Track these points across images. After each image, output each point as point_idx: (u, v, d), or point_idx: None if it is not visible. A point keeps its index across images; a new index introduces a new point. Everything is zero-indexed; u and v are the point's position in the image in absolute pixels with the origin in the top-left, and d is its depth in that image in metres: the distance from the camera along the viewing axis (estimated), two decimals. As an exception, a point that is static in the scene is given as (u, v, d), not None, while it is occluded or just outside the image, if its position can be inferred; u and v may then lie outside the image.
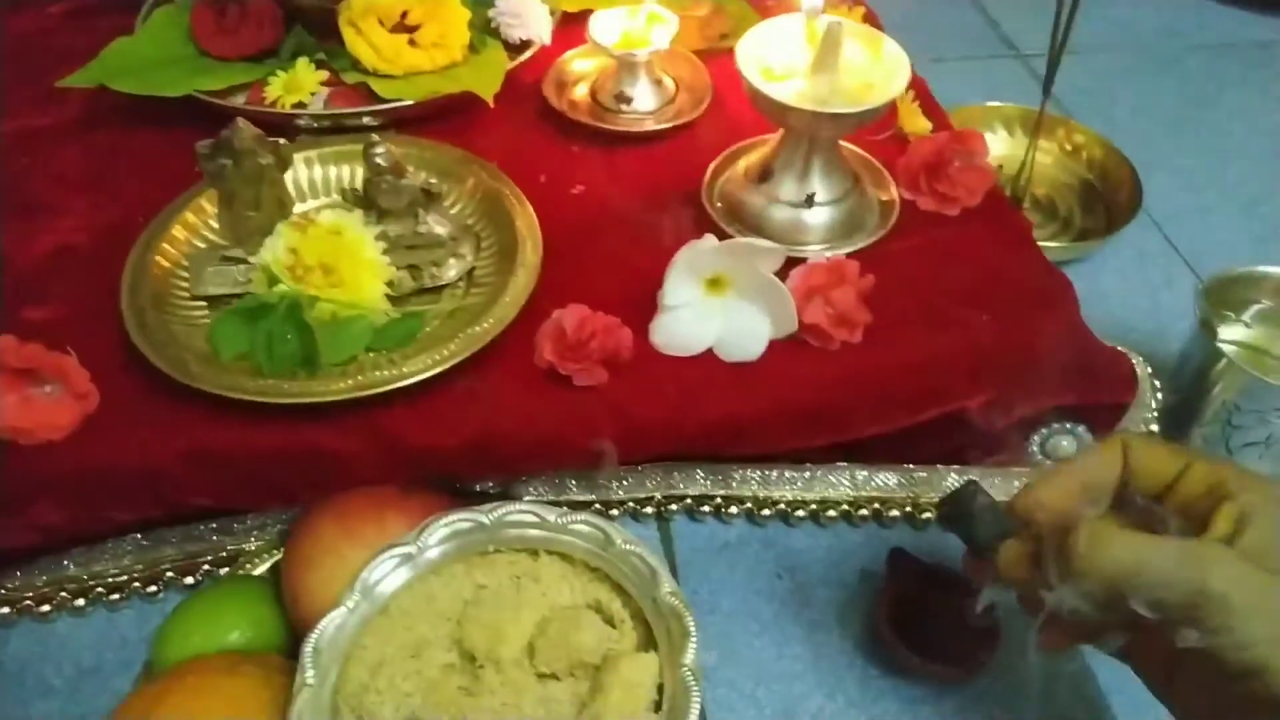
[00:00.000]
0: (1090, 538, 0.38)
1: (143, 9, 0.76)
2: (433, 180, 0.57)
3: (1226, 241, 0.80)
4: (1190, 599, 0.37)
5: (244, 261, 0.57)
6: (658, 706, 0.44)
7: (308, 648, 0.46)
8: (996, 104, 0.86)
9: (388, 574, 0.49)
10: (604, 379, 0.53)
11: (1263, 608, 0.37)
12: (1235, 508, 0.39)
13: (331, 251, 0.54)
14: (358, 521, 0.52)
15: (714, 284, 0.55)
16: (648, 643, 0.46)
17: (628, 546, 0.48)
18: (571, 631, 0.46)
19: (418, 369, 0.52)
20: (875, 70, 0.56)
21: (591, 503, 0.60)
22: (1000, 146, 0.85)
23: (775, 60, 0.57)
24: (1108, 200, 0.81)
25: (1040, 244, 0.64)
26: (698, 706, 0.43)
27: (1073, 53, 0.96)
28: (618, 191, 0.65)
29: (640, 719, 0.44)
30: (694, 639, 0.45)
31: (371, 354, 0.54)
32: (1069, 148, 0.85)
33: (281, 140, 0.55)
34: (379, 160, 0.54)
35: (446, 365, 0.52)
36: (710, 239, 0.53)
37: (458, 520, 0.50)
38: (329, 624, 0.46)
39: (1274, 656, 0.37)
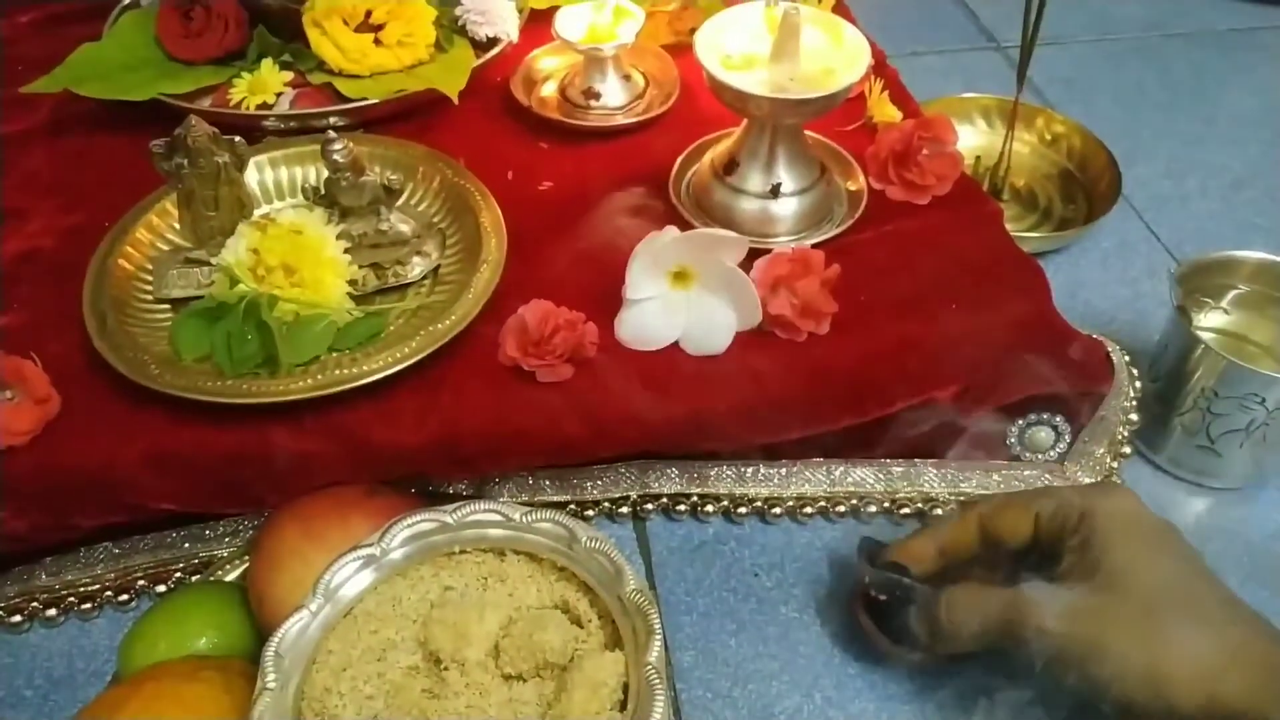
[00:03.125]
0: (946, 601, 0.47)
1: (111, 15, 0.76)
2: (393, 176, 0.56)
3: (1208, 229, 0.79)
4: (1014, 639, 0.44)
5: (207, 263, 0.57)
6: (623, 706, 0.43)
7: (269, 651, 0.45)
8: (974, 95, 0.85)
9: (350, 576, 0.48)
10: (568, 375, 0.53)
11: (1075, 628, 0.43)
12: (1077, 540, 0.46)
13: (293, 251, 0.53)
14: (321, 523, 0.51)
15: (679, 277, 0.54)
16: (615, 642, 0.46)
17: (593, 544, 0.47)
18: (536, 631, 0.45)
19: (379, 367, 0.51)
20: (836, 56, 0.56)
21: (567, 503, 0.59)
22: (978, 138, 0.84)
23: (735, 49, 0.57)
24: (1088, 189, 0.80)
25: (1020, 234, 0.63)
26: (661, 705, 0.42)
27: (1053, 43, 0.97)
28: (586, 187, 0.64)
29: (604, 719, 0.43)
30: (658, 637, 0.44)
31: (334, 353, 0.53)
32: (1048, 137, 0.84)
33: (237, 138, 0.54)
34: (337, 157, 0.53)
35: (408, 363, 0.52)
36: (671, 230, 0.52)
37: (421, 521, 0.49)
38: (290, 627, 0.46)
39: (1095, 673, 0.42)
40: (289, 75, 0.68)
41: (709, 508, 0.59)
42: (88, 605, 0.56)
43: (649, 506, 0.60)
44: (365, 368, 0.51)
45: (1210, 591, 0.44)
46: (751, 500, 0.60)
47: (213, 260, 0.56)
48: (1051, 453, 0.59)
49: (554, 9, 0.71)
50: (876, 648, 0.52)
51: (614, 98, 0.69)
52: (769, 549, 0.59)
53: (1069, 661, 0.43)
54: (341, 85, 0.67)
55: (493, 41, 0.72)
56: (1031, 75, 0.73)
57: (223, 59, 0.70)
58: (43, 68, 0.70)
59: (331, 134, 0.54)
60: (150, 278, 0.58)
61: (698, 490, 0.60)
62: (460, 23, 0.71)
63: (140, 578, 0.57)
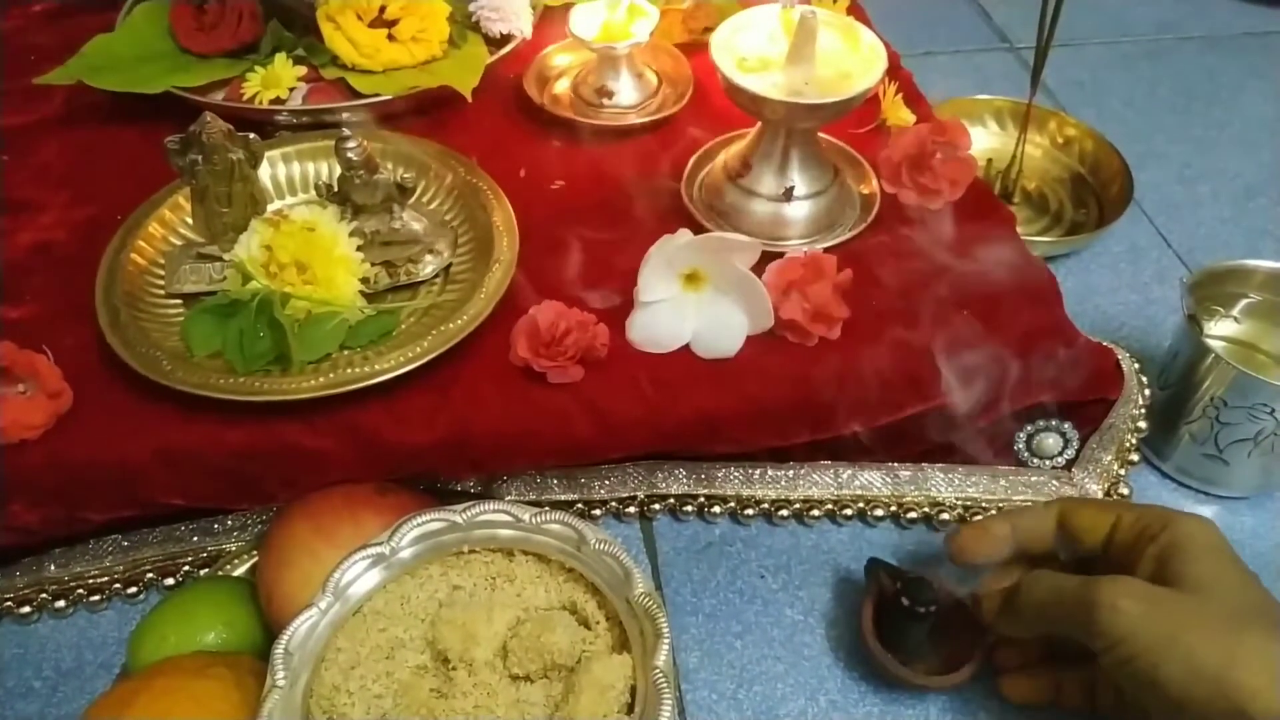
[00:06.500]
0: (1026, 580, 0.48)
1: (124, 6, 0.76)
2: (407, 175, 0.56)
3: (1219, 235, 0.79)
4: (1088, 614, 0.44)
5: (219, 259, 0.57)
6: (630, 709, 0.44)
7: (278, 649, 0.45)
8: (986, 97, 0.85)
9: (360, 575, 0.48)
10: (579, 376, 0.53)
11: (1152, 616, 0.43)
12: (1156, 548, 0.46)
13: (305, 248, 0.53)
14: (332, 521, 0.51)
15: (691, 279, 0.54)
16: (623, 644, 0.46)
17: (602, 546, 0.47)
18: (544, 633, 0.45)
19: (390, 366, 0.51)
20: (852, 60, 0.56)
21: (574, 502, 0.59)
22: (991, 140, 0.84)
23: (750, 51, 0.57)
24: (1099, 194, 0.80)
25: (1030, 238, 0.62)
26: (669, 709, 0.42)
27: (1066, 45, 0.96)
28: (598, 186, 0.64)
29: (611, 722, 0.43)
30: (666, 641, 0.44)
31: (346, 351, 0.54)
32: (1060, 141, 0.83)
33: (252, 135, 0.54)
34: (351, 155, 0.53)
35: (419, 363, 0.52)
36: (685, 233, 0.52)
37: (431, 520, 0.49)
38: (300, 625, 0.46)
39: (1164, 663, 0.42)
40: (302, 70, 0.68)
41: (716, 509, 0.60)
42: (96, 597, 0.56)
43: (656, 506, 0.60)
44: (377, 367, 0.51)
45: None
46: (759, 502, 0.60)
47: (225, 256, 0.56)
48: (1059, 459, 0.59)
49: (568, 6, 0.70)
50: (885, 670, 0.51)
51: (627, 96, 0.69)
52: (775, 551, 0.59)
53: (1135, 649, 0.43)
54: (355, 81, 0.67)
55: (506, 38, 0.72)
56: (1044, 77, 0.72)
57: (236, 52, 0.70)
58: (55, 59, 0.70)
59: (345, 131, 0.54)
60: (163, 272, 0.58)
61: (705, 491, 0.60)
62: (474, 19, 0.71)
63: (149, 570, 0.57)
